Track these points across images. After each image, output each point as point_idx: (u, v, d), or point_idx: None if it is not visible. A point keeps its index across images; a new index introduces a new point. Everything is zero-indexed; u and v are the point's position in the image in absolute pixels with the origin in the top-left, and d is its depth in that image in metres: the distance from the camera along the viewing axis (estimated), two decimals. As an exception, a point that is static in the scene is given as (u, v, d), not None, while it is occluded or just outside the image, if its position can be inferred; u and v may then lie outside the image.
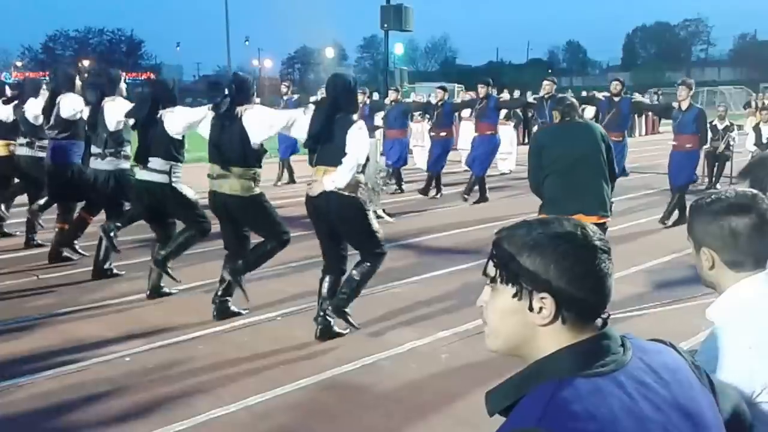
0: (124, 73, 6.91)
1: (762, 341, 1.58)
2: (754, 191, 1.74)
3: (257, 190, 5.15)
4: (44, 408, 3.85)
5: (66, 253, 6.88)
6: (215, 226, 5.55)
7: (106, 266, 6.34)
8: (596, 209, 4.72)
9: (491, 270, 1.26)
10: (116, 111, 5.99)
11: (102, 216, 6.45)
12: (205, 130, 5.27)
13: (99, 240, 6.33)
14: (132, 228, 6.47)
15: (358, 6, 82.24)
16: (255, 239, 5.36)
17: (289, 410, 3.84)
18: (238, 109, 5.02)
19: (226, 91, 5.07)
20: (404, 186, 12.33)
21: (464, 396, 3.91)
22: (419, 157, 14.61)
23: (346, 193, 4.62)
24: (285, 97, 12.84)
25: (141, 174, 5.64)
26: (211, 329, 5.07)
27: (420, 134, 14.98)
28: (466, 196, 11.07)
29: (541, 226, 1.23)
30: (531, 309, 1.20)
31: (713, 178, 12.75)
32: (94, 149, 6.16)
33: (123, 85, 6.36)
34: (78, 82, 6.85)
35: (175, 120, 5.47)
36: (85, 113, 6.37)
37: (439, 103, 11.67)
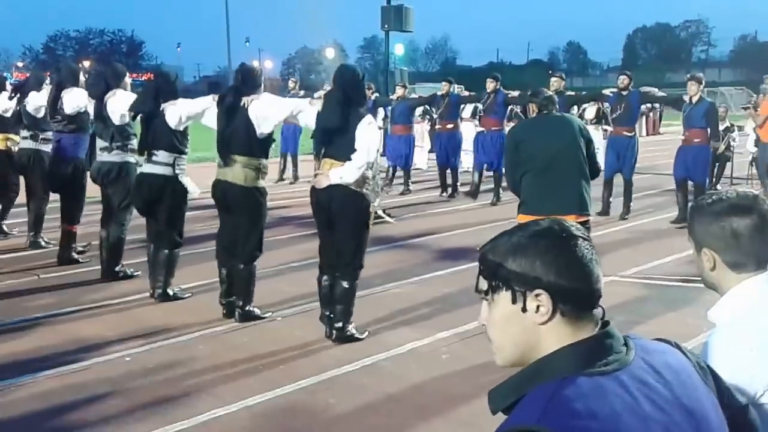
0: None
1: (764, 343, 1.57)
2: (755, 192, 1.73)
3: (261, 183, 5.13)
4: (45, 408, 3.85)
5: (74, 255, 6.91)
6: (212, 228, 5.51)
7: (117, 268, 6.31)
8: (574, 208, 4.58)
9: (483, 284, 1.29)
10: (119, 104, 5.98)
11: (102, 216, 6.44)
12: (211, 121, 5.27)
13: (100, 241, 6.35)
14: (133, 228, 6.48)
15: (358, 6, 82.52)
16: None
17: (289, 410, 3.84)
18: (244, 99, 5.00)
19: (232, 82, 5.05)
20: (411, 186, 12.29)
21: (465, 397, 3.90)
22: (419, 157, 14.60)
23: (353, 187, 4.59)
24: (291, 92, 12.90)
25: (146, 167, 5.63)
26: (211, 329, 5.07)
27: (420, 135, 14.97)
28: (495, 200, 10.76)
29: (520, 230, 1.28)
30: (528, 309, 1.22)
31: (714, 179, 12.76)
32: (101, 143, 6.16)
33: (128, 80, 6.36)
34: (82, 78, 6.86)
35: (177, 111, 5.46)
36: (90, 108, 6.38)
37: (446, 95, 11.65)
